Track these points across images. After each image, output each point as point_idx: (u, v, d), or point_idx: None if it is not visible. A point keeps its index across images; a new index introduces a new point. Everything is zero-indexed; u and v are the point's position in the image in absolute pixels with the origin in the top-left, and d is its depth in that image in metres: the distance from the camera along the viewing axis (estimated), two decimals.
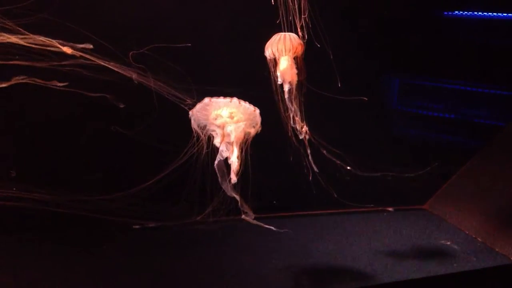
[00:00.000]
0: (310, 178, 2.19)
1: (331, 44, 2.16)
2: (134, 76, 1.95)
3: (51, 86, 1.85)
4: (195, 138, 1.98)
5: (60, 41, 1.79)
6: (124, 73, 1.94)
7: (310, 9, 2.03)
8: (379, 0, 2.64)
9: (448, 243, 2.41)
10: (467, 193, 2.74)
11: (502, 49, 2.84)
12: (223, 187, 1.94)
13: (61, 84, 1.86)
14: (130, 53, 1.96)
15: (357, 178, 2.43)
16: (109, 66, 1.91)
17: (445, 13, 2.93)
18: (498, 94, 2.99)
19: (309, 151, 2.16)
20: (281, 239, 2.33)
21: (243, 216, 2.07)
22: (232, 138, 1.86)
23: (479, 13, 2.87)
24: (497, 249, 2.32)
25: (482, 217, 2.53)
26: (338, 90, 2.20)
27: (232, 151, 1.86)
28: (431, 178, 2.67)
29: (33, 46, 1.76)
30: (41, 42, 1.75)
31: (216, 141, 1.89)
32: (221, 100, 1.85)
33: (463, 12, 2.90)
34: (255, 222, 2.05)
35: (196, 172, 2.05)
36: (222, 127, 1.87)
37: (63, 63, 1.83)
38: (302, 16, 2.02)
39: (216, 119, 1.88)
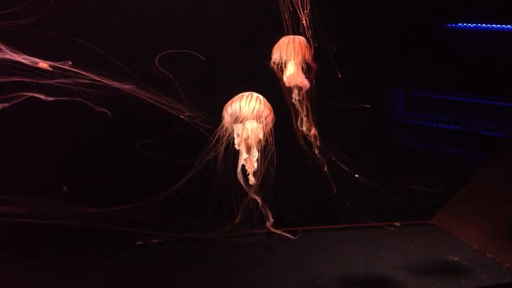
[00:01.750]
0: (335, 191, 2.22)
1: (336, 56, 2.16)
2: (130, 87, 1.93)
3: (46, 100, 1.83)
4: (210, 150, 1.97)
5: (38, 57, 1.77)
6: (120, 86, 1.92)
7: (314, 19, 2.03)
8: (384, 13, 2.64)
9: (456, 259, 2.38)
10: (475, 207, 2.71)
11: (507, 61, 2.83)
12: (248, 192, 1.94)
13: (50, 98, 1.82)
14: (157, 57, 1.96)
15: (363, 192, 2.42)
16: (105, 82, 1.89)
17: (449, 25, 2.93)
18: (503, 106, 2.97)
19: (325, 165, 2.17)
20: (284, 252, 2.37)
21: (267, 224, 2.07)
22: (249, 133, 1.82)
23: (483, 25, 2.87)
24: (506, 265, 2.29)
25: (491, 232, 2.50)
26: (343, 101, 2.22)
27: (251, 152, 1.84)
28: (438, 192, 2.65)
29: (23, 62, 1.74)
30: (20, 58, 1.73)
31: (236, 141, 1.87)
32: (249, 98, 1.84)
33: (467, 25, 2.90)
34: (278, 231, 2.08)
35: (217, 183, 2.05)
36: (244, 121, 1.84)
37: (60, 80, 1.81)
38: (306, 26, 2.03)
39: (240, 115, 1.86)
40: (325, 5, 2.12)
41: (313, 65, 2.01)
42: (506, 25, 2.81)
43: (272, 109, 1.87)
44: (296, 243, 2.40)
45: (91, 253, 2.29)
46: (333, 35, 2.10)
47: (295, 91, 2.01)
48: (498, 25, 2.83)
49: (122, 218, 2.07)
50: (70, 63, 1.76)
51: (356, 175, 2.34)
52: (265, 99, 1.86)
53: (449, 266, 2.33)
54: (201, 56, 2.04)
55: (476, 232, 2.57)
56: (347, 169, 2.30)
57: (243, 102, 1.82)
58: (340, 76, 2.12)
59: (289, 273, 2.18)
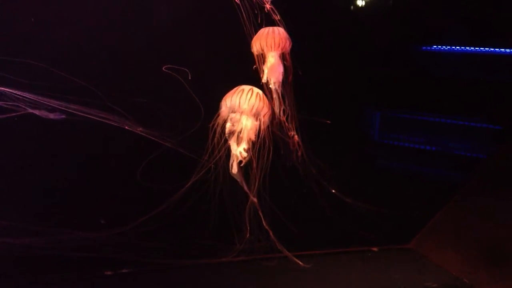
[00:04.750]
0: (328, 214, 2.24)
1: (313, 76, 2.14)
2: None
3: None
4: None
5: None
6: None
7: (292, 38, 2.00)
8: (360, 34, 2.65)
9: (435, 285, 2.33)
10: (452, 231, 2.69)
11: (483, 83, 2.86)
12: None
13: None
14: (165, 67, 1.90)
15: (340, 215, 2.37)
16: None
17: (424, 48, 2.96)
18: (478, 127, 2.99)
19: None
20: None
21: (271, 234, 2.04)
22: (243, 128, 1.84)
23: (457, 47, 2.90)
24: None
25: (469, 257, 2.47)
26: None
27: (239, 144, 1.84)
28: (416, 215, 2.61)
29: None
30: None
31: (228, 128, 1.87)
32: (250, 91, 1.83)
33: (441, 47, 2.93)
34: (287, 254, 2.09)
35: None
36: (240, 115, 1.84)
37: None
38: None
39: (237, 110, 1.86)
40: (302, 25, 2.11)
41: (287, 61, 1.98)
42: (481, 47, 2.85)
43: (270, 105, 1.87)
44: (270, 269, 2.34)
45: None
46: (310, 56, 2.09)
47: (273, 84, 1.95)
48: (473, 48, 2.86)
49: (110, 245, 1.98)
50: None
51: (333, 190, 2.30)
52: (263, 95, 1.85)
53: None
54: (187, 70, 1.98)
55: (454, 257, 2.53)
56: (325, 183, 2.27)
57: (243, 98, 1.81)
58: (300, 73, 2.08)
59: None
